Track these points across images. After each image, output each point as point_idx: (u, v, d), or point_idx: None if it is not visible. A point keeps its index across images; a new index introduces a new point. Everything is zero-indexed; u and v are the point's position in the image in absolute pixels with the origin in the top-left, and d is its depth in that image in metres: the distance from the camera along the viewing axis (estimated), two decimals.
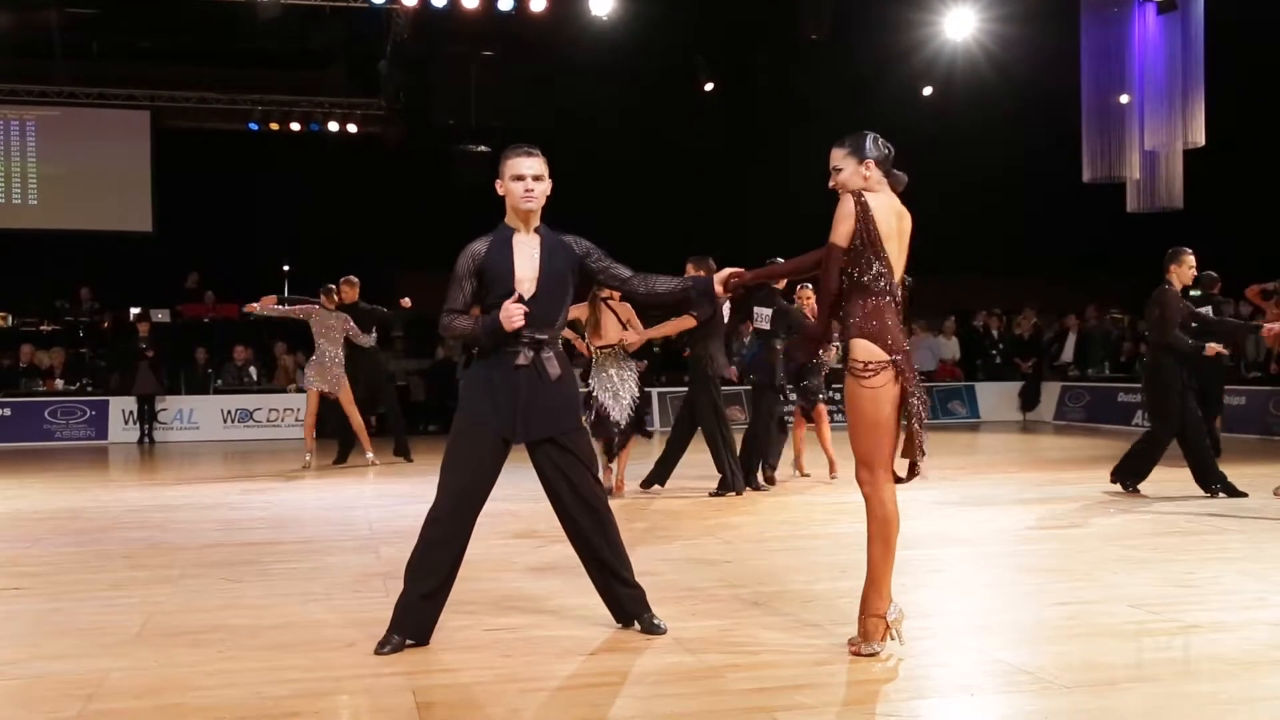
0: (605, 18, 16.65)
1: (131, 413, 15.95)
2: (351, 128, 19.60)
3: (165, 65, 19.25)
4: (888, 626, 4.00)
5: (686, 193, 19.99)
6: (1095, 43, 14.91)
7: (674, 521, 7.35)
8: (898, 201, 4.13)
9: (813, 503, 8.22)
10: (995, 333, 18.71)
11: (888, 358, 3.93)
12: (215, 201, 18.55)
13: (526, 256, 4.20)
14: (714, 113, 20.02)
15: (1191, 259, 8.21)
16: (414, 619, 4.11)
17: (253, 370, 17.14)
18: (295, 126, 19.44)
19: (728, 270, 4.36)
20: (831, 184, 4.15)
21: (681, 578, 5.44)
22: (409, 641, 4.08)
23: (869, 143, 4.12)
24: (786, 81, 19.28)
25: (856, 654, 3.98)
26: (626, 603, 4.38)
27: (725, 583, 5.32)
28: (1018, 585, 5.31)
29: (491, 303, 4.16)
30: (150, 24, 18.35)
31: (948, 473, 7.99)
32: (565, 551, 6.17)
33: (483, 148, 19.83)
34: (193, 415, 16.21)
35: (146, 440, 15.75)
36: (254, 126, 19.29)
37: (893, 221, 4.07)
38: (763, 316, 8.92)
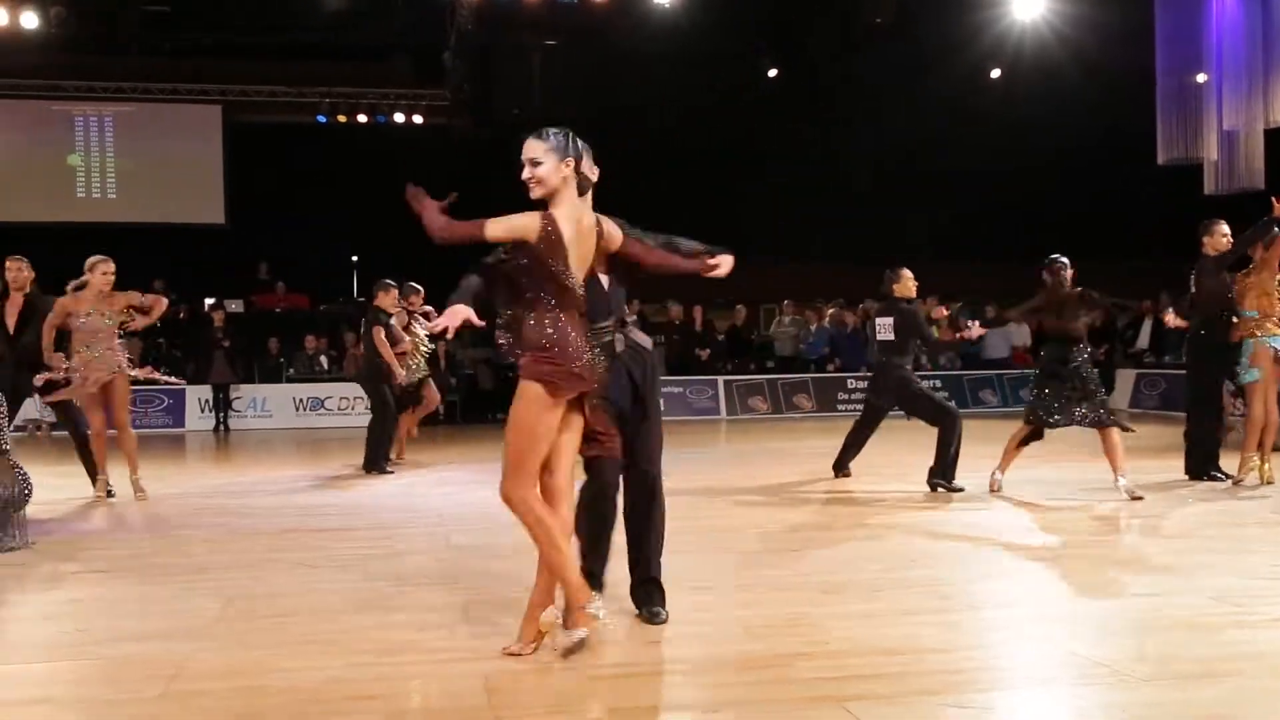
0: (668, 5, 16.61)
1: (207, 401, 16.27)
2: (417, 119, 19.78)
3: (236, 60, 19.58)
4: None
5: (748, 180, 19.89)
6: (1171, 21, 14.57)
7: (741, 511, 7.34)
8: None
9: (880, 493, 8.15)
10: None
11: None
12: (285, 193, 18.85)
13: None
14: (776, 100, 19.89)
15: (1224, 228, 8.07)
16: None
17: (324, 359, 17.40)
18: (363, 118, 19.67)
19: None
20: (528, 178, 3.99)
21: (750, 565, 5.43)
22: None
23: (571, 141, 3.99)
24: (850, 67, 19.09)
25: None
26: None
27: (794, 570, 5.30)
28: (1093, 576, 5.22)
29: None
30: (221, 20, 18.65)
31: (1019, 461, 7.87)
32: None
33: None
34: (266, 403, 16.49)
35: (222, 428, 16.07)
36: (322, 119, 19.55)
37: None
38: (885, 326, 8.38)
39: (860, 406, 15.72)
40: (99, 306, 7.99)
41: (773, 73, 19.67)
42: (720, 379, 17.37)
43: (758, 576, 5.16)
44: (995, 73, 18.80)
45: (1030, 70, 17.74)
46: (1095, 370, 7.71)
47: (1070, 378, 7.49)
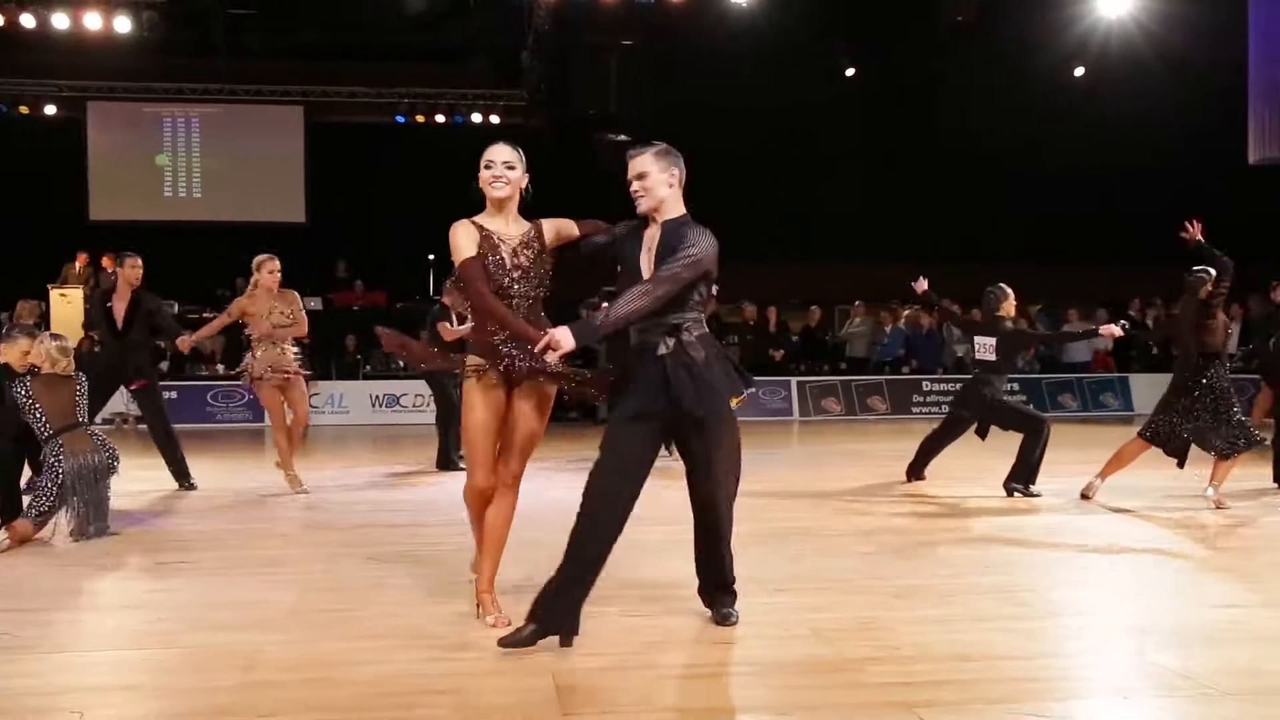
0: (745, 4, 16.54)
1: None
2: (495, 119, 19.93)
3: (318, 62, 19.90)
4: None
5: (823, 181, 19.73)
6: (1265, 15, 14.14)
7: (813, 513, 7.28)
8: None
9: (956, 497, 8.03)
10: (1151, 322, 17.95)
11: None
12: (364, 192, 19.13)
13: (646, 248, 4.23)
14: (855, 100, 19.71)
15: None
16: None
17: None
18: (440, 119, 19.88)
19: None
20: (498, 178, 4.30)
21: (821, 568, 5.38)
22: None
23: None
24: (930, 67, 18.85)
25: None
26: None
27: (865, 574, 5.24)
28: (1176, 585, 5.09)
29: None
30: (304, 23, 18.99)
31: (1095, 466, 7.69)
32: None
33: (622, 137, 19.91)
34: (343, 400, 16.74)
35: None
36: (401, 119, 19.80)
37: None
38: (986, 346, 8.11)
39: (935, 409, 15.51)
40: (275, 304, 8.20)
41: (850, 72, 19.51)
42: (793, 380, 17.25)
43: (829, 579, 5.11)
44: (1079, 71, 18.43)
45: (1116, 67, 17.37)
46: (1230, 387, 7.31)
47: (1204, 395, 7.18)
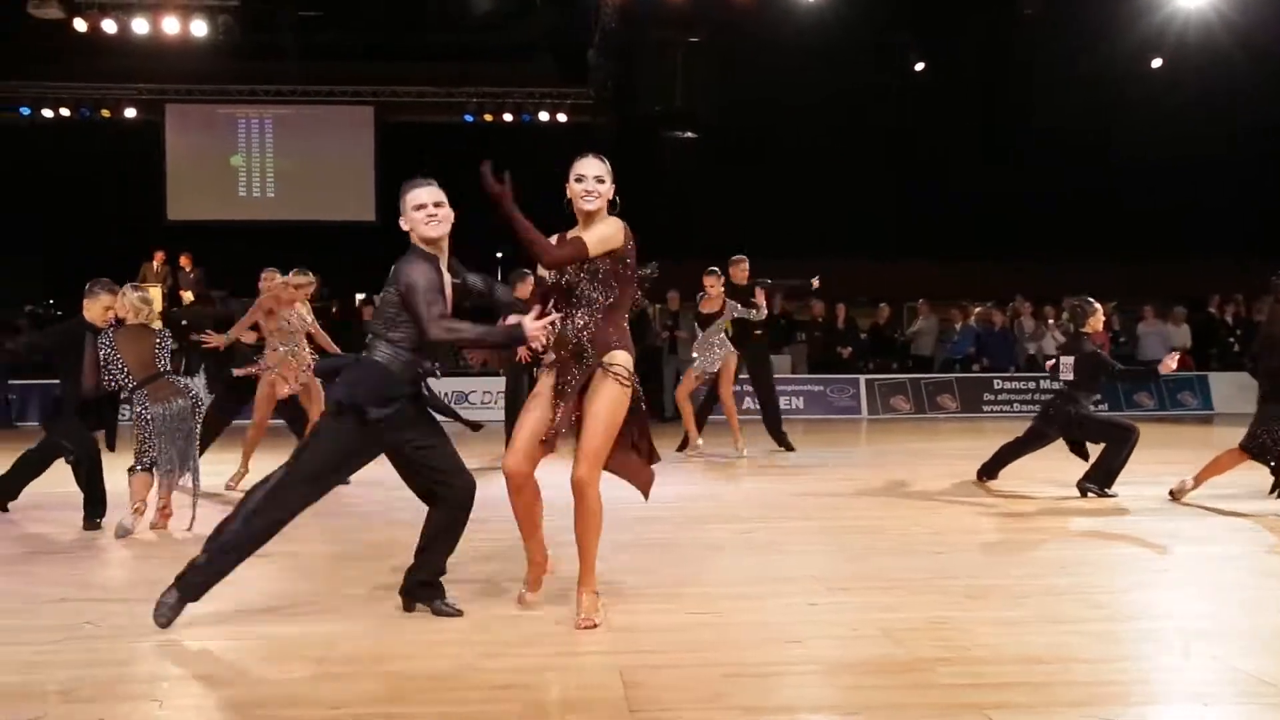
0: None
1: None
2: (561, 117, 20.02)
3: (387, 63, 20.15)
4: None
5: (891, 177, 19.54)
6: None
7: (881, 512, 7.21)
8: None
9: (1030, 496, 7.90)
10: (1230, 319, 17.52)
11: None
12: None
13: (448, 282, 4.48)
14: (923, 93, 19.49)
15: None
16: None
17: (467, 354, 17.76)
18: (508, 117, 20.02)
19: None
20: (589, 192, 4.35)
21: (890, 567, 5.32)
22: None
23: None
24: (1000, 59, 18.58)
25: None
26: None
27: (936, 574, 5.17)
28: (1257, 589, 4.96)
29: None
30: (374, 24, 19.23)
31: (1173, 466, 7.53)
32: (770, 538, 6.16)
33: (689, 134, 19.91)
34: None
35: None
36: (469, 118, 19.97)
37: None
38: (1066, 366, 7.90)
39: (1007, 408, 15.26)
40: (300, 310, 8.45)
41: (920, 66, 19.29)
42: (862, 378, 17.11)
43: (897, 579, 5.06)
44: (1156, 62, 18.04)
45: (1194, 57, 16.98)
46: None
47: None
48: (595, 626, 4.18)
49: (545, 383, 4.42)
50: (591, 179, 4.32)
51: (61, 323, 6.92)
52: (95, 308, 6.76)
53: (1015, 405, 16.70)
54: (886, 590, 4.81)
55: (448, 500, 4.48)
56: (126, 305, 6.56)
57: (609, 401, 4.24)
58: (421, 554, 4.50)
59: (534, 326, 4.16)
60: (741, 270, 10.71)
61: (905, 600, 4.64)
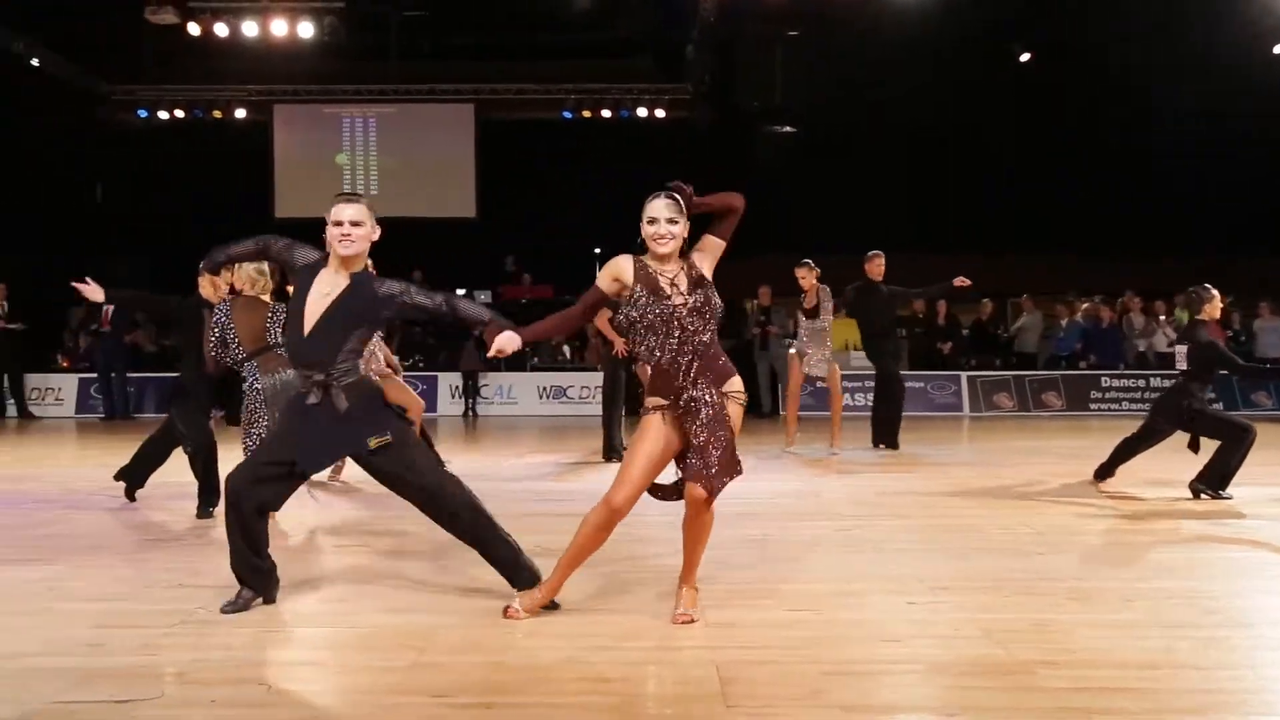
0: None
1: (457, 387, 17.07)
2: (660, 112, 20.06)
3: (487, 61, 20.42)
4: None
5: (994, 171, 19.16)
6: None
7: (983, 511, 7.09)
8: None
9: (1140, 497, 7.68)
10: None
11: None
12: (532, 187, 19.52)
13: (320, 293, 4.43)
14: (1027, 86, 19.05)
15: None
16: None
17: (566, 349, 17.93)
18: (606, 113, 20.12)
19: (509, 336, 4.48)
20: (664, 234, 4.27)
21: (992, 567, 5.23)
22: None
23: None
24: (1111, 51, 18.07)
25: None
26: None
27: (1039, 575, 5.07)
28: None
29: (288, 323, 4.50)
30: (475, 22, 19.49)
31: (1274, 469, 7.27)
32: (868, 536, 6.10)
33: (787, 129, 19.79)
34: (511, 391, 17.15)
35: (470, 414, 16.80)
36: (568, 115, 20.11)
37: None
38: (1181, 355, 7.70)
39: (1115, 406, 14.92)
40: None
41: (1025, 57, 18.86)
42: (964, 374, 16.84)
43: (1000, 579, 4.96)
44: (1278, 48, 17.38)
45: None
46: None
47: None
48: (693, 622, 4.19)
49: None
50: (664, 221, 4.25)
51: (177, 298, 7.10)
52: (206, 282, 6.95)
53: (1124, 404, 16.27)
54: (988, 590, 4.73)
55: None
56: (243, 277, 6.73)
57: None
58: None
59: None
60: (877, 266, 10.57)
61: (1007, 601, 4.56)
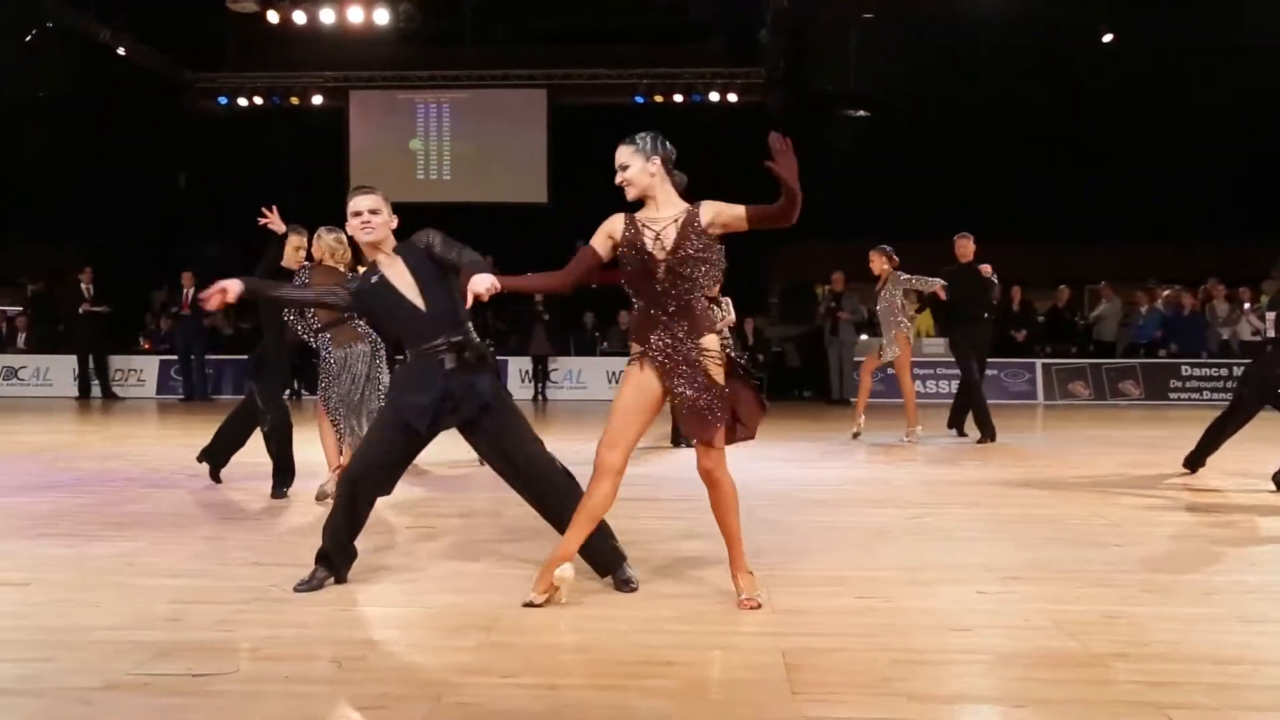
0: None
1: (527, 372, 17.18)
2: (732, 97, 19.95)
3: (560, 46, 20.45)
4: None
5: (1074, 155, 18.76)
6: None
7: (1055, 500, 6.97)
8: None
9: (1220, 489, 7.50)
10: None
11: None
12: (603, 172, 19.52)
13: (399, 278, 4.53)
14: (1111, 68, 18.60)
15: None
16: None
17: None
18: (678, 98, 20.06)
19: (482, 278, 4.17)
20: (619, 180, 4.29)
21: (1065, 558, 5.15)
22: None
23: (657, 143, 4.33)
24: (1196, 30, 17.58)
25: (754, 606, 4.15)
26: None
27: (1113, 566, 4.97)
28: None
29: (392, 332, 4.56)
30: (548, 8, 19.54)
31: None
32: (938, 524, 6.04)
33: (861, 112, 19.58)
34: (581, 375, 17.23)
35: (540, 398, 16.91)
36: (640, 99, 20.08)
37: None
38: (1272, 322, 7.55)
39: (1195, 395, 14.58)
40: None
41: (1108, 38, 18.42)
42: (1039, 362, 16.57)
43: (1073, 570, 4.88)
44: None
45: None
46: None
47: None
48: (759, 607, 4.18)
49: None
50: (619, 169, 4.34)
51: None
52: (290, 248, 7.03)
53: (1205, 393, 15.90)
54: (1060, 581, 4.66)
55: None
56: (323, 247, 6.82)
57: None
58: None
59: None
60: (965, 247, 10.37)
61: (1080, 592, 4.48)
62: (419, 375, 4.49)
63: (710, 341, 4.22)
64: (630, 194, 4.31)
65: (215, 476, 7.52)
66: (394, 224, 4.73)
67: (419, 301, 4.50)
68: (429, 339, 4.49)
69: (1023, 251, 18.66)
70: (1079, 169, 18.86)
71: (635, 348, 4.30)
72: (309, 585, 4.46)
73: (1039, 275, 18.90)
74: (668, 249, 4.19)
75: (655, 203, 4.29)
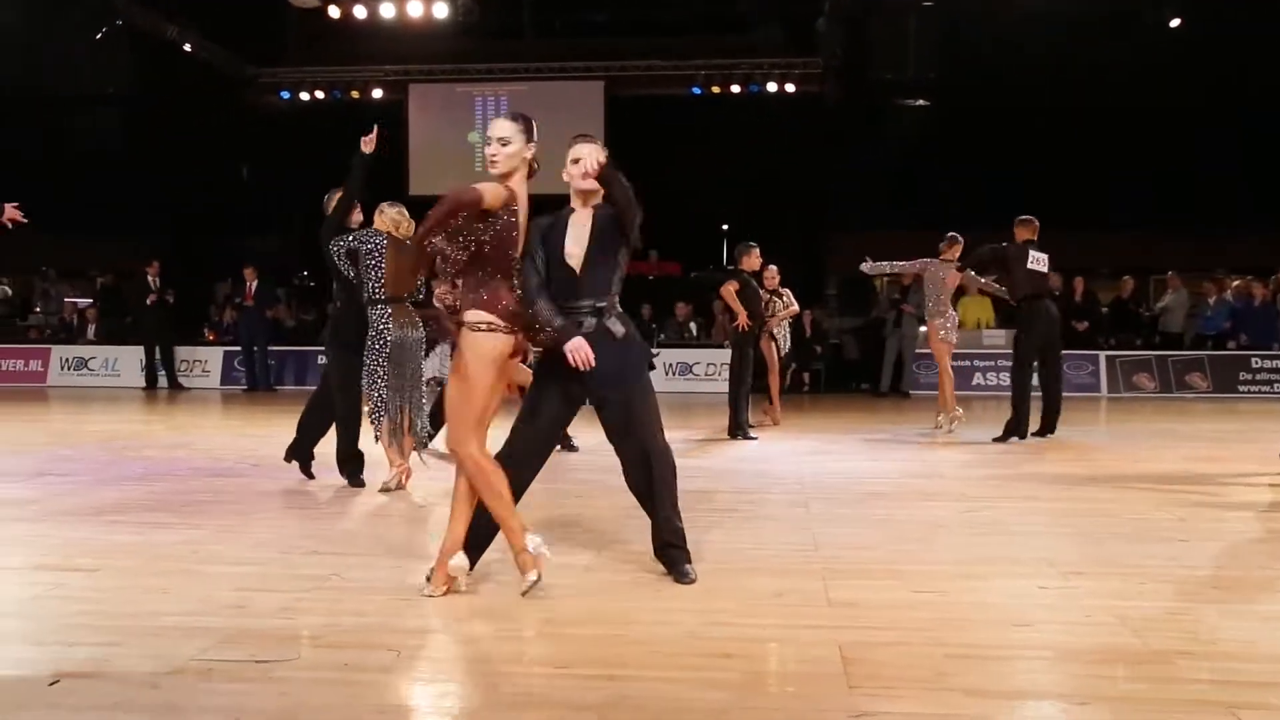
0: None
1: None
2: (790, 87, 19.82)
3: (616, 37, 20.46)
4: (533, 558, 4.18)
5: (1138, 142, 18.39)
6: None
7: (1119, 494, 6.86)
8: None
9: None
10: None
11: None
12: (659, 164, 19.52)
13: (575, 234, 4.55)
14: (1178, 54, 18.20)
15: None
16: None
17: (693, 326, 17.92)
18: (735, 89, 19.97)
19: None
20: (492, 152, 4.39)
21: (1128, 553, 5.06)
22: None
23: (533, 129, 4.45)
24: (1268, 12, 17.15)
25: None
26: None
27: (1179, 562, 4.88)
28: None
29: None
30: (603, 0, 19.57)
31: None
32: (997, 517, 5.97)
33: (920, 102, 19.37)
34: None
35: None
36: (696, 90, 20.02)
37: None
38: None
39: (1266, 389, 14.29)
40: None
41: (1175, 22, 18.02)
42: (1102, 354, 16.30)
43: (1136, 565, 4.80)
44: None
45: None
46: None
47: None
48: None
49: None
50: (495, 141, 4.41)
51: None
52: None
53: (1276, 386, 15.55)
54: (1123, 576, 4.58)
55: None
56: (386, 220, 6.83)
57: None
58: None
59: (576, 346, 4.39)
60: (1026, 229, 10.04)
61: (1144, 588, 4.40)
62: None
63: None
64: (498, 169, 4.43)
65: (307, 472, 7.35)
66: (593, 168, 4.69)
67: (576, 264, 4.55)
68: (574, 297, 4.53)
69: (1085, 241, 18.37)
70: (1143, 156, 18.49)
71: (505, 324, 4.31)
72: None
73: (1102, 265, 18.58)
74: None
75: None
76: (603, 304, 4.52)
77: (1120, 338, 16.83)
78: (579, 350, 4.32)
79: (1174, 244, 18.57)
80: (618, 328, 4.53)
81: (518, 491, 4.47)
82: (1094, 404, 14.86)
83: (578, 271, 4.50)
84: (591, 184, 4.53)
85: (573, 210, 4.65)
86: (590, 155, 4.54)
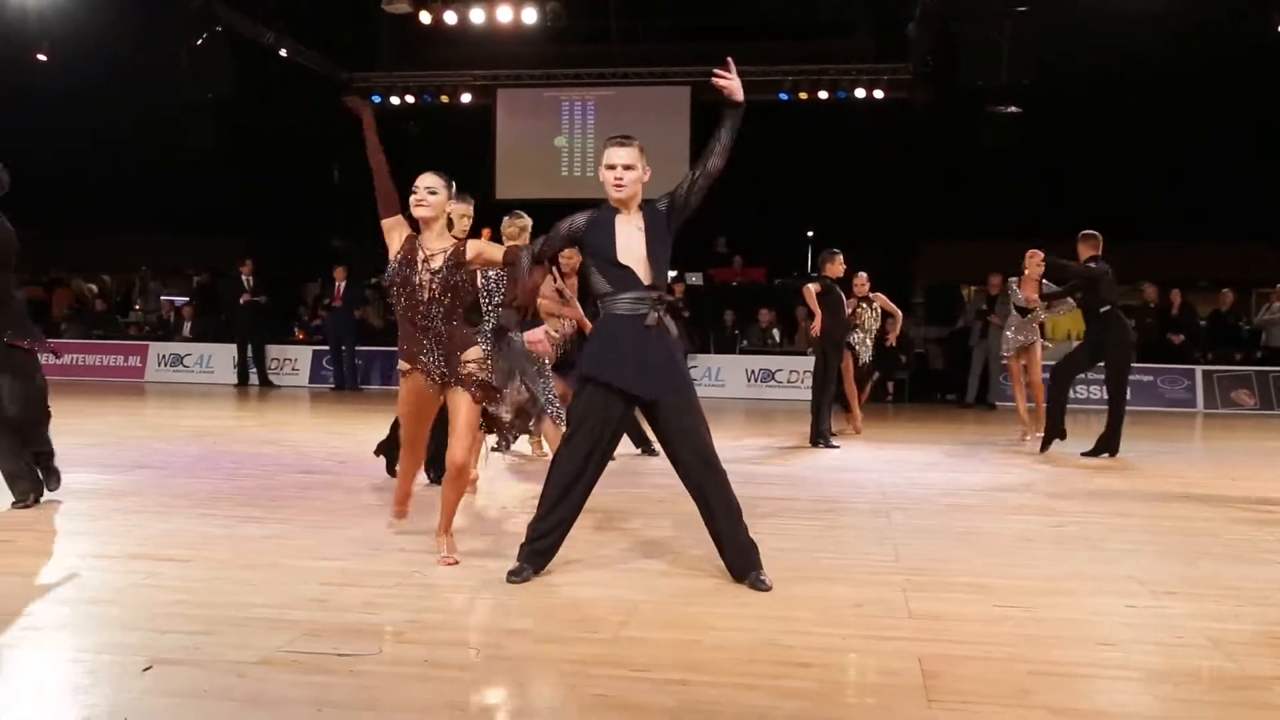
0: None
1: None
2: (878, 93, 19.62)
3: (703, 43, 20.42)
4: None
5: (1239, 151, 17.85)
6: None
7: (1215, 514, 6.66)
8: None
9: None
10: None
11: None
12: (744, 170, 19.44)
13: (627, 235, 4.65)
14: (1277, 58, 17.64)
15: None
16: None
17: (775, 332, 17.83)
18: (823, 95, 19.83)
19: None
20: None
21: (1222, 574, 4.92)
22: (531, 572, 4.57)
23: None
24: None
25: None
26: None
27: (1276, 584, 4.73)
28: None
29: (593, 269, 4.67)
30: (691, 4, 19.55)
31: None
32: (1085, 533, 5.84)
33: (1013, 109, 19.02)
34: (719, 373, 17.18)
35: None
36: (784, 96, 19.92)
37: None
38: None
39: None
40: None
41: None
42: (1199, 368, 15.85)
43: (1231, 587, 4.66)
44: None
45: None
46: None
47: None
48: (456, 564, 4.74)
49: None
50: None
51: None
52: (455, 219, 6.94)
53: None
54: (1217, 598, 4.45)
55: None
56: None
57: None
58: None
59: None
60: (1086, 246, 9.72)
61: (1239, 611, 4.27)
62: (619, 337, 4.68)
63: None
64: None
65: (392, 471, 7.31)
66: (646, 177, 4.90)
67: (633, 261, 4.71)
68: (638, 288, 4.69)
69: (1182, 251, 17.90)
70: (1243, 164, 17.95)
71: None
72: (520, 577, 4.53)
73: (1201, 277, 18.08)
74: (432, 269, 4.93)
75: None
76: (669, 297, 4.69)
77: (1218, 352, 16.36)
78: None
79: (1277, 256, 17.99)
80: (673, 326, 4.68)
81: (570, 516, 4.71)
82: (1189, 420, 14.47)
83: (637, 271, 4.64)
84: (623, 195, 4.74)
85: (616, 211, 4.77)
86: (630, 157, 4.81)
